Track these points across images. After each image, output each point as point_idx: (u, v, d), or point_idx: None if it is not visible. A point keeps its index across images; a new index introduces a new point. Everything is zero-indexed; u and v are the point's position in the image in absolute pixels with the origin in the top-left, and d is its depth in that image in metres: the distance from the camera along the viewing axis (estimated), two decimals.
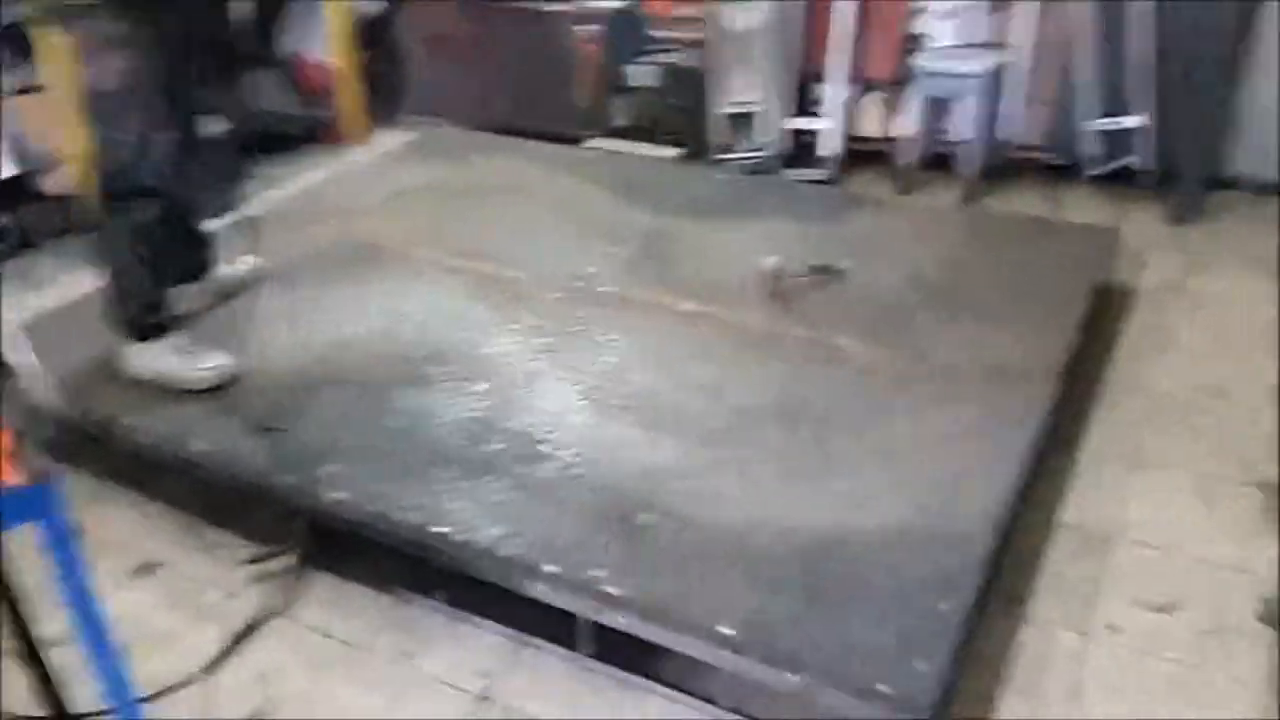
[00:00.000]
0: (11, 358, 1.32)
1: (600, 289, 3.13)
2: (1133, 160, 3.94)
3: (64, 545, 1.27)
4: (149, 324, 2.72)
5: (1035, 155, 4.20)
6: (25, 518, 1.29)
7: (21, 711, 1.94)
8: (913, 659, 1.81)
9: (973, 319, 2.87)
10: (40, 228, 4.06)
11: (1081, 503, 2.47)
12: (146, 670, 2.13)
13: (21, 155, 3.90)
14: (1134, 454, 2.61)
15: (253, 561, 2.39)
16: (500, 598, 2.14)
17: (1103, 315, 3.17)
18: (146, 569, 2.44)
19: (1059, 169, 4.16)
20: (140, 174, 2.56)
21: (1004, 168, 4.23)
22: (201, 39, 2.69)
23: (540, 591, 2.06)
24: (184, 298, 3.01)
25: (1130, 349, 3.04)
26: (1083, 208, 3.93)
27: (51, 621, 1.60)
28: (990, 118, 4.07)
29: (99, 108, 2.54)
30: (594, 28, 4.46)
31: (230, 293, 3.13)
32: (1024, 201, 4.05)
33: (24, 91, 3.89)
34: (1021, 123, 4.16)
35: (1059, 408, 2.66)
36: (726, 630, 1.89)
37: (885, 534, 2.12)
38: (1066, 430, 2.68)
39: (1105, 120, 3.93)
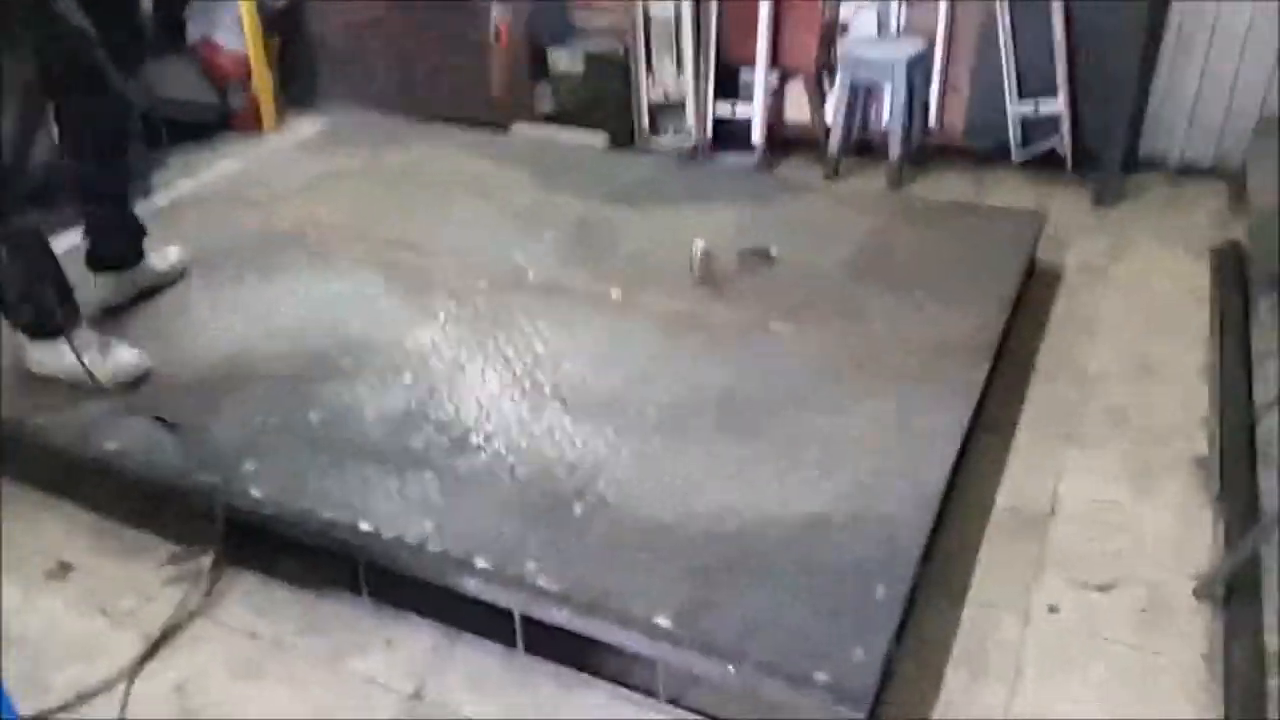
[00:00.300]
0: None
1: (528, 277, 3.07)
2: (1053, 144, 4.00)
3: None
4: (48, 322, 2.58)
5: (959, 141, 4.24)
6: None
7: None
8: (850, 646, 1.81)
9: (904, 301, 2.88)
10: None
11: (1017, 483, 2.49)
12: (61, 679, 2.04)
13: None
14: (1067, 433, 2.64)
15: (171, 562, 2.29)
16: (432, 593, 2.09)
17: (1031, 296, 3.21)
18: (60, 572, 2.32)
19: (983, 154, 4.21)
20: (16, 181, 2.46)
21: (929, 153, 4.27)
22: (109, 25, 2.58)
23: (472, 587, 2.01)
24: (106, 288, 2.93)
25: (1059, 329, 3.08)
26: (1007, 192, 3.98)
27: None
28: (913, 104, 4.10)
29: None
30: (508, 13, 4.36)
31: (153, 285, 3.02)
32: (949, 186, 4.09)
33: None
34: (945, 109, 4.20)
35: (992, 388, 2.70)
36: (662, 622, 1.86)
37: (820, 520, 2.11)
38: (1000, 411, 2.70)
39: (1024, 105, 3.99)
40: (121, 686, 2.02)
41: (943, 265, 3.10)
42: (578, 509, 2.15)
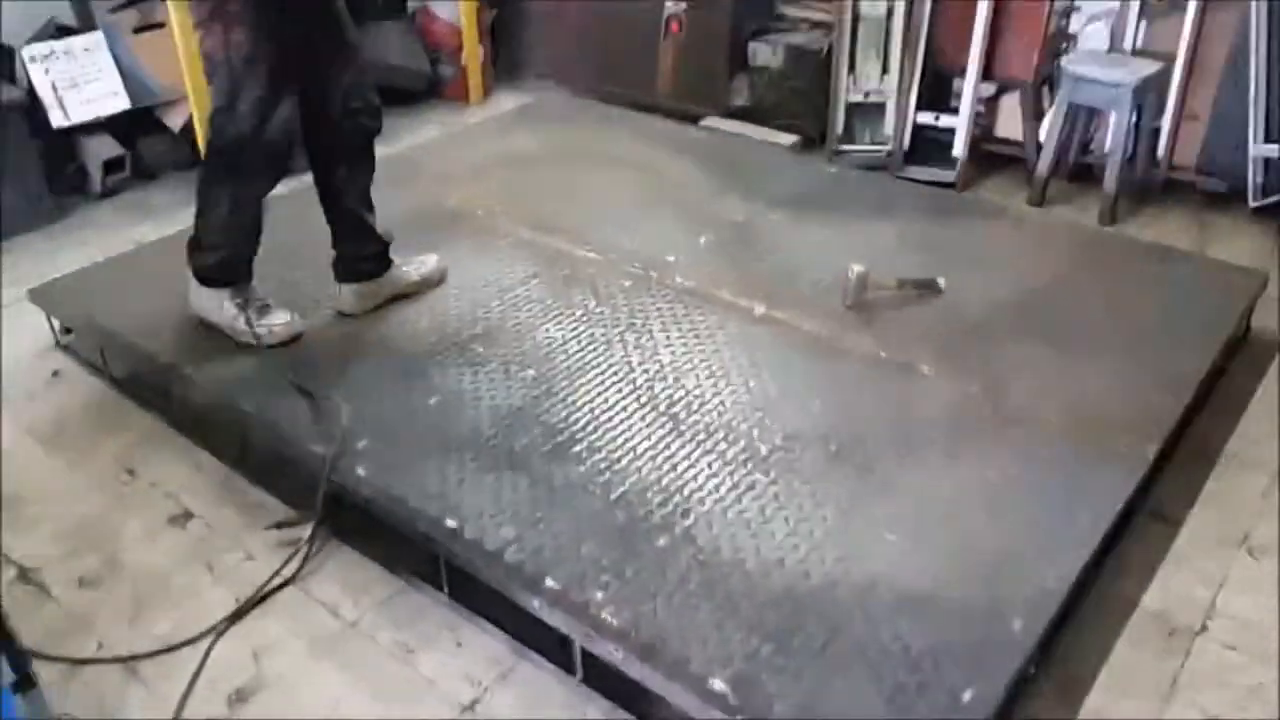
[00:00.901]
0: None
1: (674, 279, 2.97)
2: None
3: None
4: (226, 275, 2.71)
5: (1190, 178, 3.78)
6: None
7: None
8: None
9: (1080, 357, 2.58)
10: (158, 160, 4.18)
11: (1170, 586, 2.17)
12: (158, 627, 2.15)
13: (141, 90, 3.99)
14: (1243, 537, 2.28)
15: (276, 527, 2.36)
16: (503, 603, 2.04)
17: (1235, 370, 2.81)
18: (181, 520, 2.45)
19: (1217, 196, 3.74)
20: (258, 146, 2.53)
21: (1153, 188, 3.83)
22: None
23: (536, 607, 1.95)
24: (349, 299, 2.84)
25: (1260, 414, 2.67)
26: (1235, 244, 3.51)
27: None
28: (1140, 131, 3.68)
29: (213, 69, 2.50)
30: (683, 5, 4.21)
31: (403, 294, 2.90)
32: (1169, 229, 3.65)
33: (145, 29, 3.98)
34: (1178, 140, 3.75)
35: (1162, 472, 2.38)
36: (717, 685, 1.73)
37: (923, 596, 1.91)
38: (1167, 500, 2.37)
39: (1270, 147, 3.49)
40: (206, 643, 2.10)
41: (1137, 320, 2.75)
42: (662, 540, 2.05)
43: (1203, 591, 2.16)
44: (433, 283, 2.97)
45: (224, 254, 2.70)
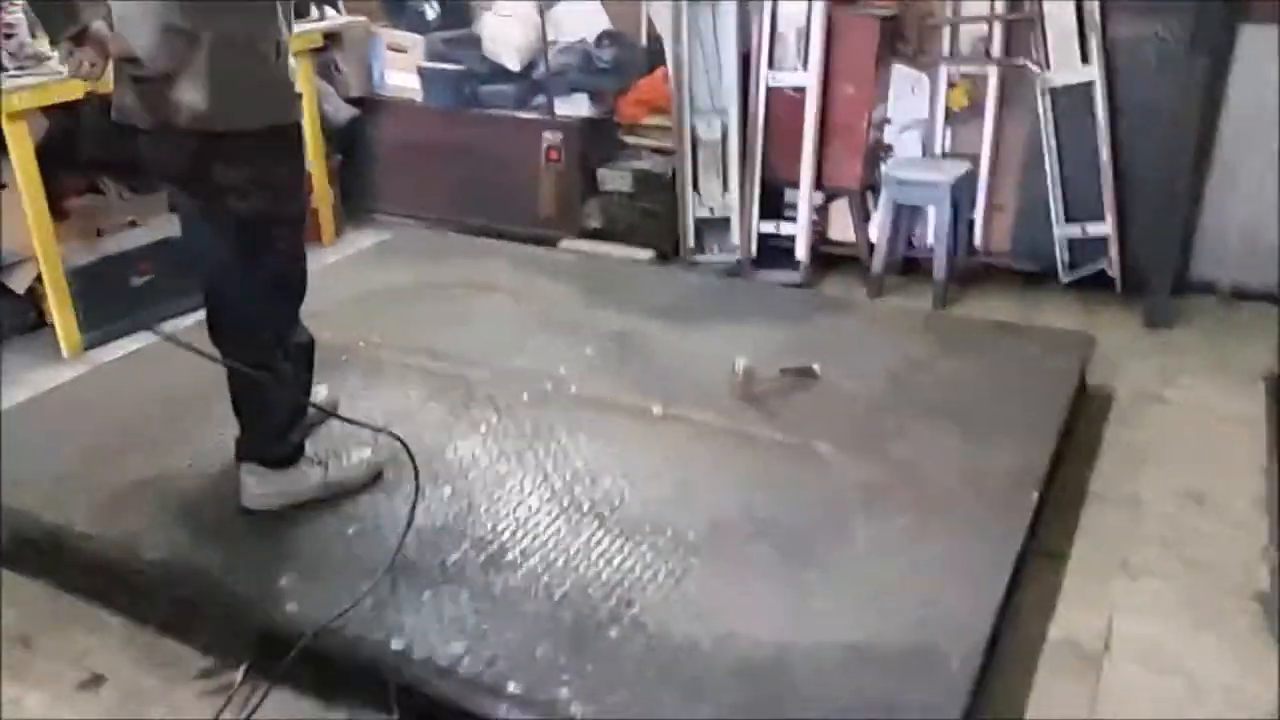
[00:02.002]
0: None
1: (570, 390, 3.08)
2: (1102, 265, 3.98)
3: None
4: (295, 447, 2.58)
5: (1005, 261, 4.24)
6: None
7: None
8: None
9: (950, 424, 2.83)
10: (3, 324, 3.98)
11: (1070, 616, 2.38)
12: None
13: None
14: (1122, 563, 2.54)
15: (203, 676, 2.26)
16: (463, 718, 2.02)
17: (1082, 421, 3.15)
18: (91, 684, 2.30)
19: (1030, 275, 4.20)
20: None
21: (974, 273, 4.27)
22: None
23: (503, 712, 1.95)
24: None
25: (1111, 455, 3.00)
26: (1055, 314, 3.95)
27: None
28: (958, 224, 4.12)
29: None
30: (559, 135, 4.50)
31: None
32: (996, 307, 4.07)
33: None
34: (991, 228, 4.22)
35: (1042, 516, 2.62)
36: None
37: (864, 653, 2.03)
38: (1051, 540, 2.61)
39: (1071, 227, 3.99)
40: None
41: (991, 387, 3.05)
42: (613, 632, 2.10)
43: (1098, 617, 2.38)
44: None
45: (301, 418, 2.59)
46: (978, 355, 3.29)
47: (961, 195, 4.07)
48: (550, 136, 4.48)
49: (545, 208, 4.55)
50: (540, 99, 4.69)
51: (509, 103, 4.74)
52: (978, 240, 4.24)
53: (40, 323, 4.02)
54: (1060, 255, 4.02)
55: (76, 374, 3.59)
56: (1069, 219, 3.99)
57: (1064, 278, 4.04)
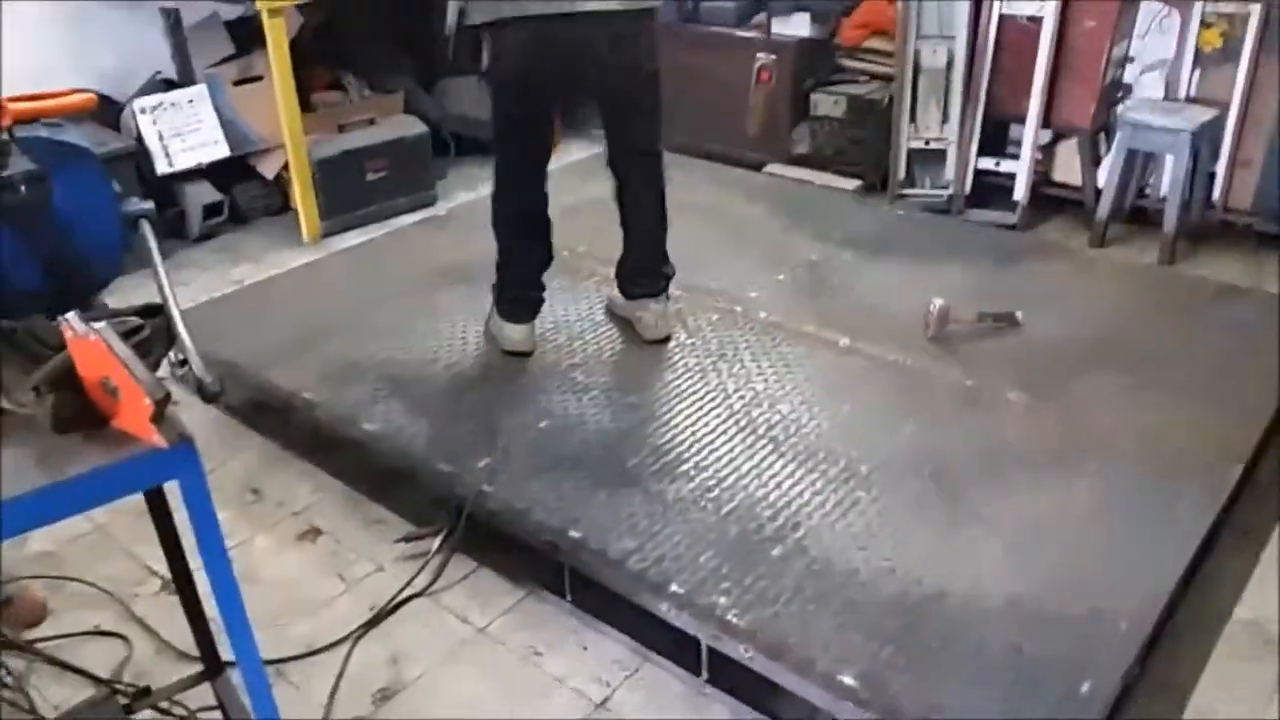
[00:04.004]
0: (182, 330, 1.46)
1: (759, 314, 3.13)
2: None
3: (200, 506, 1.37)
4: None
5: (1245, 220, 3.92)
6: (164, 477, 1.40)
7: (180, 648, 2.12)
8: None
9: (1156, 388, 2.70)
10: (252, 206, 4.40)
11: (1261, 598, 2.28)
12: (294, 633, 2.28)
13: (240, 139, 4.22)
14: None
15: (405, 540, 2.50)
16: (628, 609, 2.17)
17: None
18: (309, 535, 2.60)
19: (1271, 237, 3.87)
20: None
21: (1211, 230, 3.97)
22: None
23: (664, 610, 2.08)
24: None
25: None
26: None
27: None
28: (1196, 176, 3.82)
29: None
30: (772, 56, 4.43)
31: None
32: (1227, 268, 3.78)
33: (244, 82, 4.23)
34: (1233, 184, 3.89)
35: (1245, 494, 2.48)
36: (847, 679, 1.85)
37: (1030, 603, 2.02)
38: (1252, 519, 2.48)
39: None
40: (346, 648, 2.24)
41: (1206, 352, 2.88)
42: (776, 551, 2.18)
43: None
44: None
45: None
46: (1198, 318, 3.10)
47: (1203, 145, 3.77)
48: (763, 56, 4.42)
49: (753, 130, 4.52)
50: (761, 16, 4.62)
51: (729, 19, 4.71)
52: (1216, 195, 3.92)
53: (285, 207, 4.40)
54: None
55: (314, 258, 3.93)
56: None
57: None
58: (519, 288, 2.96)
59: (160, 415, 1.27)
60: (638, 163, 2.88)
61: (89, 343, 1.29)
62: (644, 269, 3.02)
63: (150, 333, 1.46)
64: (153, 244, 1.61)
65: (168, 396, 1.26)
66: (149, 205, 1.66)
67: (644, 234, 2.97)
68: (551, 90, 2.76)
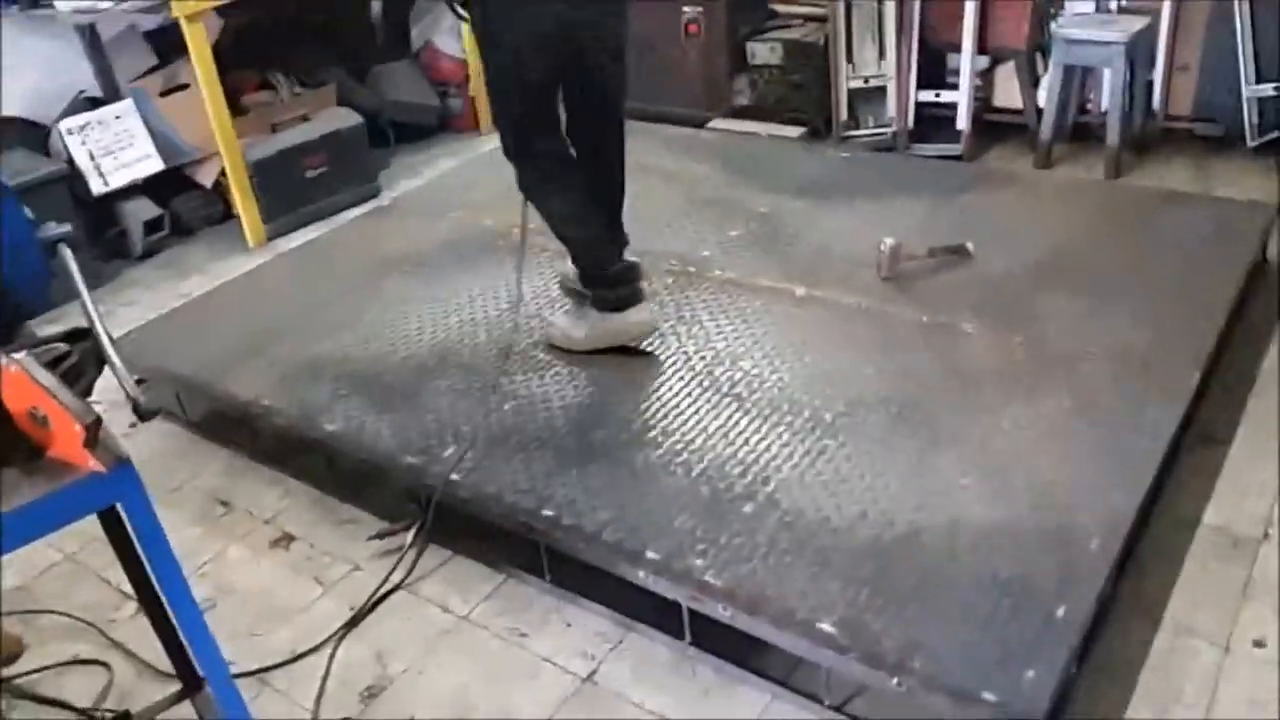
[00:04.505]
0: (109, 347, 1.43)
1: (713, 273, 3.11)
2: None
3: (146, 525, 1.34)
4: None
5: (1187, 125, 3.93)
6: (106, 501, 1.37)
7: (161, 668, 2.10)
8: (1022, 666, 1.74)
9: (1111, 302, 2.71)
10: (193, 217, 4.32)
11: (1229, 502, 2.31)
12: (276, 640, 2.27)
13: (173, 150, 4.14)
14: None
15: (378, 536, 2.49)
16: (606, 581, 2.17)
17: (1257, 299, 2.95)
18: (282, 542, 2.58)
19: (1214, 140, 3.88)
20: None
21: (1154, 139, 3.98)
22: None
23: (642, 578, 2.08)
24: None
25: None
26: (1238, 183, 3.65)
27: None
28: (1135, 86, 3.83)
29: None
30: (698, 9, 4.37)
31: None
32: (1173, 175, 3.80)
33: (170, 91, 4.14)
34: (1171, 90, 3.90)
35: (1205, 399, 2.51)
36: (826, 627, 1.86)
37: (1001, 530, 2.04)
38: (1213, 424, 2.51)
39: (1262, 86, 3.64)
40: (329, 650, 2.23)
41: (1158, 262, 2.89)
42: (748, 508, 2.18)
43: (1259, 504, 2.29)
44: None
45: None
46: (1147, 228, 3.11)
47: (1139, 54, 3.77)
48: (689, 10, 4.37)
49: (689, 85, 4.48)
50: None
51: None
52: (1156, 103, 3.93)
53: (227, 214, 4.33)
54: (1248, 117, 3.69)
55: (261, 261, 3.87)
56: (1260, 78, 3.64)
57: (1251, 142, 3.72)
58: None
59: (94, 441, 1.24)
60: (609, 130, 2.78)
61: (10, 374, 1.26)
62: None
63: (79, 357, 1.43)
64: (73, 267, 1.57)
65: (98, 421, 1.23)
66: (66, 229, 1.62)
67: (610, 203, 2.85)
68: (565, 55, 2.57)
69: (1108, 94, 3.89)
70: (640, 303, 2.74)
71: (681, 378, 2.65)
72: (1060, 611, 1.84)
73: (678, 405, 2.54)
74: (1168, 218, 3.15)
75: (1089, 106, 4.14)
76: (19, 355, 1.27)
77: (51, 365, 1.32)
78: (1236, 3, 3.59)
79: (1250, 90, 3.67)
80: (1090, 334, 2.60)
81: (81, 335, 1.48)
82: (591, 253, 2.76)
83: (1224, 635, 2.00)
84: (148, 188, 4.15)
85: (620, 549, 2.12)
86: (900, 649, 1.80)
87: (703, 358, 2.71)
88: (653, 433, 2.45)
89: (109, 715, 1.91)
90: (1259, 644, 1.97)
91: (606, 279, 2.72)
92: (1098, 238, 3.08)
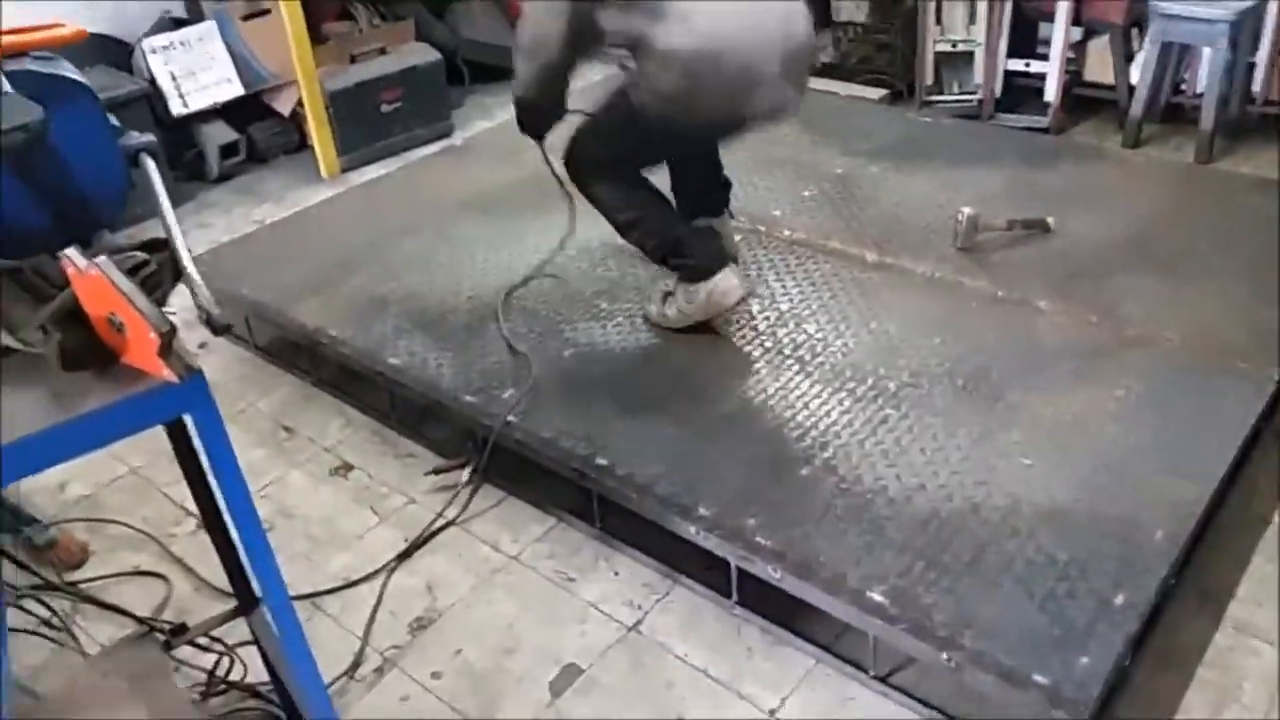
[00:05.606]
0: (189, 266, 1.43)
1: (782, 232, 3.07)
2: None
3: (215, 440, 1.35)
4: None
5: None
6: (176, 412, 1.38)
7: (217, 585, 2.15)
8: (1077, 651, 1.71)
9: (1193, 290, 2.63)
10: (270, 145, 4.36)
11: None
12: (330, 566, 2.31)
13: (252, 76, 4.17)
14: None
15: (435, 472, 2.52)
16: (657, 534, 2.17)
17: None
18: (342, 470, 2.62)
19: None
20: None
21: (1250, 125, 3.82)
22: None
23: (693, 533, 2.07)
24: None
25: None
26: None
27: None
28: (1234, 68, 3.66)
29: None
30: None
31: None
32: (1267, 163, 3.65)
33: (252, 16, 4.16)
34: (1275, 75, 3.73)
35: None
36: (876, 596, 1.84)
37: (1063, 511, 2.00)
38: None
39: None
40: (381, 579, 2.26)
41: (1244, 250, 2.79)
42: (804, 471, 2.16)
43: None
44: None
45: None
46: (1236, 215, 3.00)
47: (1242, 35, 3.60)
48: None
49: None
50: None
51: None
52: (1257, 88, 3.77)
53: (302, 144, 4.36)
54: None
55: (334, 193, 3.90)
56: None
57: None
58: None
59: (168, 349, 1.25)
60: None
61: (91, 278, 1.27)
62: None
63: (156, 267, 1.44)
64: (155, 178, 1.58)
65: (173, 329, 1.24)
66: (150, 138, 1.62)
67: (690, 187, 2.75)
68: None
69: (1205, 75, 3.74)
70: (725, 267, 2.54)
71: (744, 337, 2.62)
72: (1119, 599, 1.80)
73: (738, 364, 2.52)
74: (1257, 206, 3.03)
75: (1184, 86, 3.99)
76: (100, 260, 1.28)
77: (130, 274, 1.33)
78: None
79: None
80: (1170, 319, 2.52)
81: (160, 246, 1.49)
82: (644, 229, 2.58)
83: None
84: (226, 112, 4.19)
85: (672, 502, 2.12)
86: (951, 624, 1.78)
87: (766, 318, 2.68)
88: (711, 389, 2.44)
89: (166, 626, 1.96)
90: None
91: (676, 247, 2.55)
92: (1184, 222, 2.97)
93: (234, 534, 1.58)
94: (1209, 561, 2.09)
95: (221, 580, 2.08)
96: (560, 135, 2.61)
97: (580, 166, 2.58)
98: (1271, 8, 3.62)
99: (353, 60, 4.30)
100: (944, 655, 1.75)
